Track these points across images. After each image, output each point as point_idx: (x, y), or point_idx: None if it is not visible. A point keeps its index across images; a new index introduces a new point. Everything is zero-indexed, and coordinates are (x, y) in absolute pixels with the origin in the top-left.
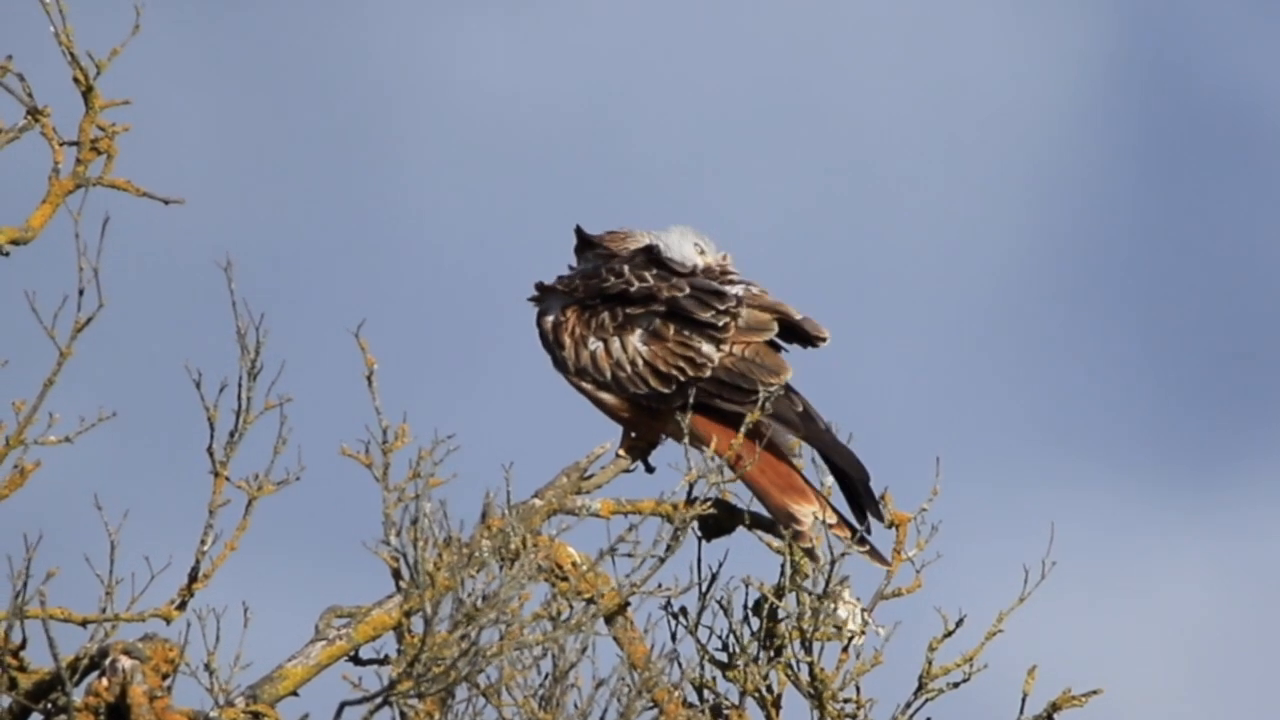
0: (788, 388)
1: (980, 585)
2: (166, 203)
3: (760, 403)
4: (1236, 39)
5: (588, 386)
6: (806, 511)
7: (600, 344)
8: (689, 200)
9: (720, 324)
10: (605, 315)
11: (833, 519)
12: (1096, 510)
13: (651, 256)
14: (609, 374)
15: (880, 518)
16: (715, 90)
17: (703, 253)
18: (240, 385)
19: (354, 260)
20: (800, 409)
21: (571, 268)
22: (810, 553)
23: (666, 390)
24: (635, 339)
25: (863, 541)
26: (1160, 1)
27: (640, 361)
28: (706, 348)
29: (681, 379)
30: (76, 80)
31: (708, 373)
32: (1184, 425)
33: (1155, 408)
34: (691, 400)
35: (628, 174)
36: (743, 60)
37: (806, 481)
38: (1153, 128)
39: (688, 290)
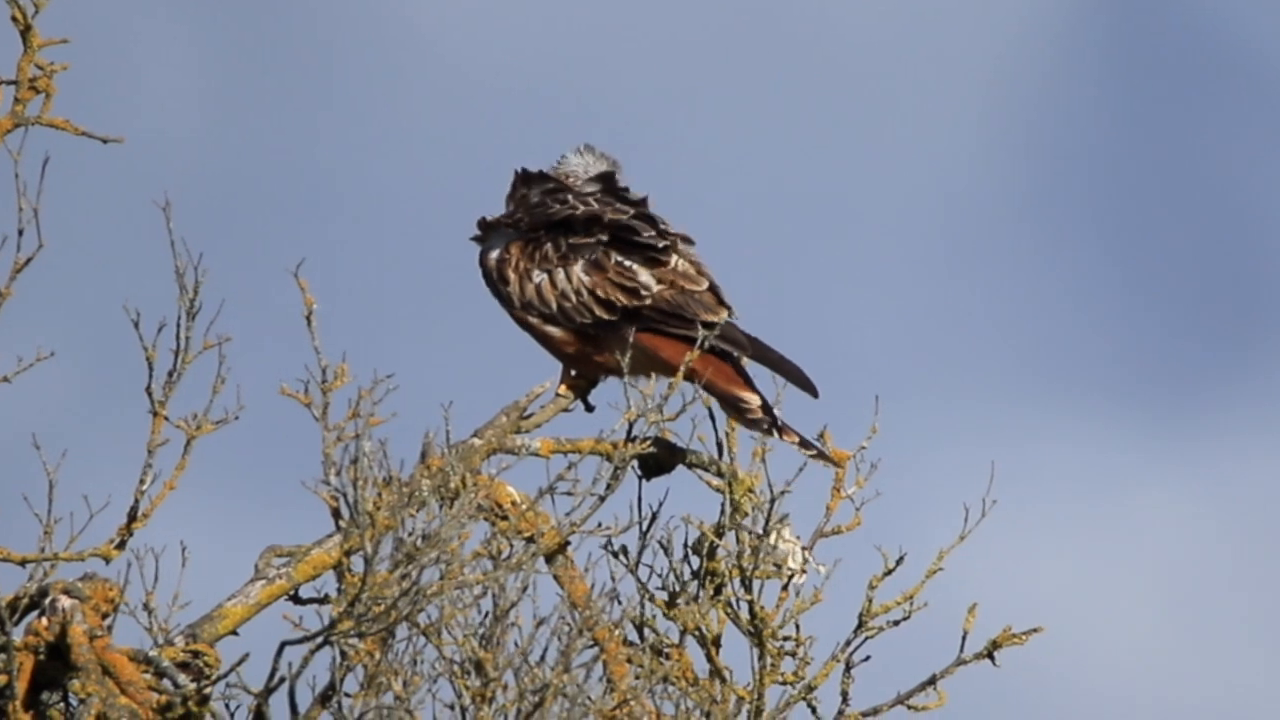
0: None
1: (936, 520)
2: (105, 141)
3: (715, 329)
4: None
5: (534, 320)
6: (752, 397)
7: (545, 276)
8: (665, 143)
9: (660, 245)
10: (549, 247)
11: (778, 414)
12: (1069, 440)
13: (607, 185)
14: (555, 305)
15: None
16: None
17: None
18: (179, 325)
19: (294, 200)
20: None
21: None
22: (766, 428)
23: (611, 318)
24: (578, 269)
25: (808, 445)
26: None
27: (584, 291)
28: (645, 277)
29: (623, 306)
30: (15, 19)
31: (649, 301)
32: (1160, 348)
33: (1128, 330)
34: (637, 330)
35: (588, 122)
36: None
37: (748, 381)
38: (1129, 46)
39: (632, 213)
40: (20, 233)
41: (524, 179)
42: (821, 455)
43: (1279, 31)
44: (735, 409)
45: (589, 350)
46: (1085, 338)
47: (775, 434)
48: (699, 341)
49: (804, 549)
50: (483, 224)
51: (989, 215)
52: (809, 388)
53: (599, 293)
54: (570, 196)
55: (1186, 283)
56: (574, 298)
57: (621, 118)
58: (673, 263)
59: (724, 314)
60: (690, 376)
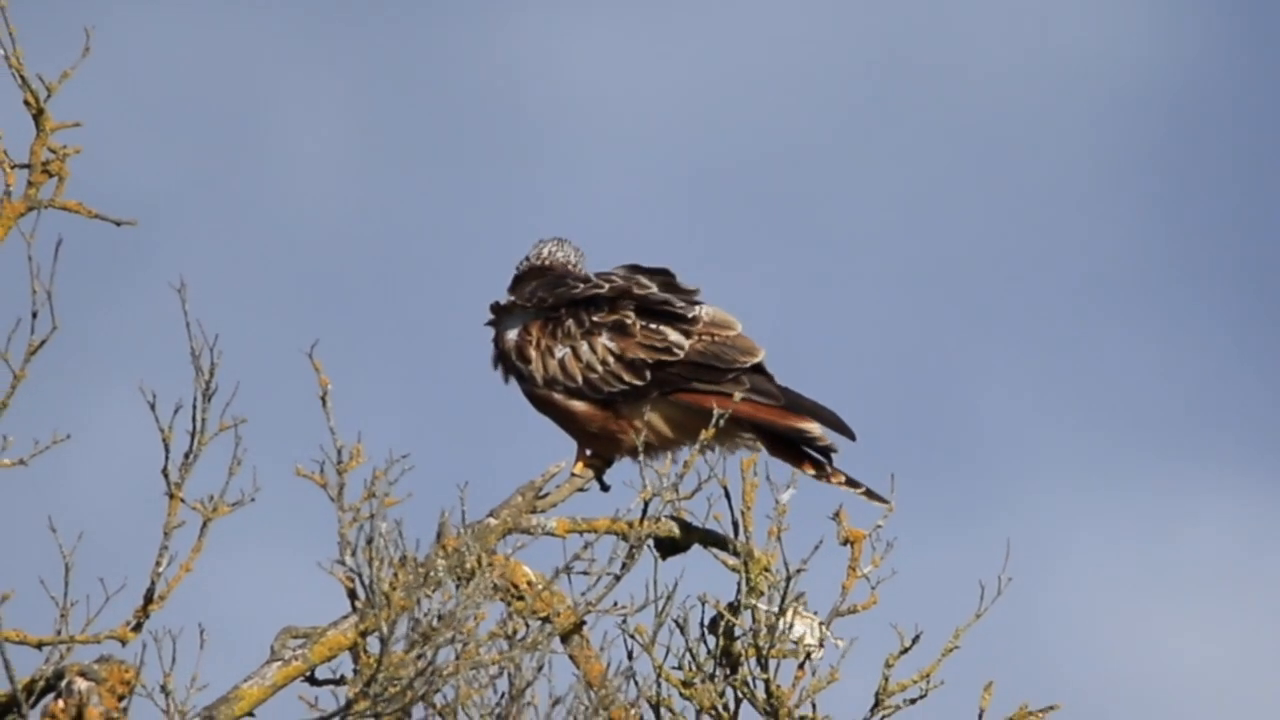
0: (760, 367)
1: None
2: (119, 224)
3: (745, 385)
4: None
5: (558, 397)
6: (813, 425)
7: (568, 350)
8: (801, 190)
9: (689, 315)
10: (570, 323)
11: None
12: (1213, 514)
13: (630, 266)
14: (580, 378)
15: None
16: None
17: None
18: (195, 406)
19: (306, 282)
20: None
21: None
22: (827, 450)
23: (641, 382)
24: (603, 338)
25: (855, 484)
26: None
27: (611, 359)
28: (675, 335)
29: (653, 368)
30: (27, 103)
31: (681, 357)
32: None
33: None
34: (674, 391)
35: (736, 171)
36: (857, 47)
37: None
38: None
39: (655, 289)
40: (34, 315)
41: (522, 273)
42: (870, 494)
43: None
44: (795, 443)
45: (611, 424)
46: (1216, 402)
47: (826, 475)
48: (734, 396)
49: (821, 624)
50: (495, 308)
51: (1127, 278)
52: (846, 431)
53: (627, 356)
54: (593, 275)
55: None
56: (600, 368)
57: (747, 184)
58: (701, 317)
59: (762, 353)
60: (742, 422)
